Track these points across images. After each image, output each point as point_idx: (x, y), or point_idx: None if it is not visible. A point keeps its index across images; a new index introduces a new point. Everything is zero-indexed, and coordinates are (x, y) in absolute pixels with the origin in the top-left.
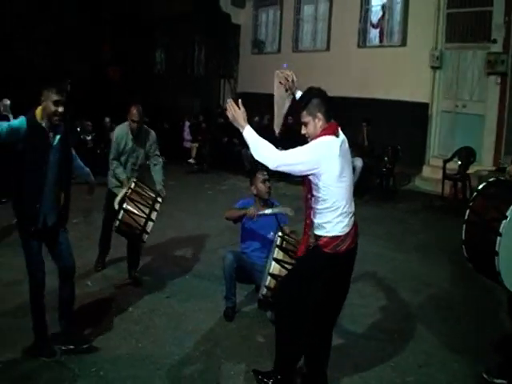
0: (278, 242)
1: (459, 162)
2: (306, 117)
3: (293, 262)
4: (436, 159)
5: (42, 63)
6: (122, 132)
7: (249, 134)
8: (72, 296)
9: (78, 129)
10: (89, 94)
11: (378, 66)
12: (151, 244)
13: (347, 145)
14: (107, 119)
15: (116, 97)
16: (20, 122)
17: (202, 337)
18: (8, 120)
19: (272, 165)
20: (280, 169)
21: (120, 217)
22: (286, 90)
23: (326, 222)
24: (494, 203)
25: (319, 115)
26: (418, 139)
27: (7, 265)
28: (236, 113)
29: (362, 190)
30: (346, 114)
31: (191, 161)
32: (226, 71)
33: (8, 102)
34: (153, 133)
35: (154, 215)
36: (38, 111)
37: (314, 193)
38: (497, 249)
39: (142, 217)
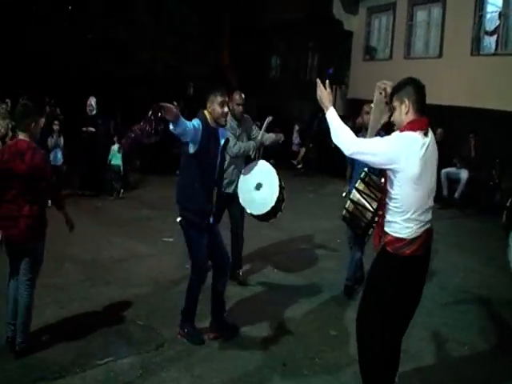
0: (362, 176)
1: None
2: (395, 101)
3: (371, 194)
4: None
5: (166, 69)
6: (229, 125)
7: (332, 115)
8: (225, 287)
9: None
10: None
11: (491, 75)
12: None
13: (435, 148)
14: None
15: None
16: (198, 123)
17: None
18: (96, 119)
19: (347, 150)
20: (354, 156)
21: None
22: (386, 103)
23: (392, 222)
24: None
25: (407, 102)
26: None
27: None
28: (323, 93)
29: (466, 202)
30: (455, 124)
31: (295, 162)
32: (337, 77)
33: (94, 99)
34: (249, 117)
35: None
36: (207, 115)
37: (388, 187)
38: None
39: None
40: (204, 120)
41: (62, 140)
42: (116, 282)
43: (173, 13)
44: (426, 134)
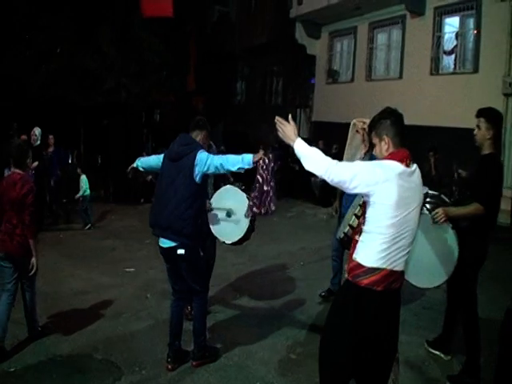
0: (361, 202)
1: None
2: (374, 138)
3: None
4: (509, 190)
5: (129, 96)
6: None
7: (300, 146)
8: None
9: None
10: (176, 123)
11: (450, 94)
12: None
13: (419, 180)
14: None
15: None
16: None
17: (238, 349)
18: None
19: (325, 176)
20: (332, 181)
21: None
22: (363, 141)
23: (360, 243)
24: None
25: (386, 138)
26: None
27: None
28: (286, 127)
29: None
30: (417, 143)
31: None
32: (301, 101)
33: (39, 129)
34: (214, 146)
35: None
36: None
37: (366, 209)
38: None
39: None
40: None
41: None
42: (75, 314)
43: (137, 41)
44: (408, 165)
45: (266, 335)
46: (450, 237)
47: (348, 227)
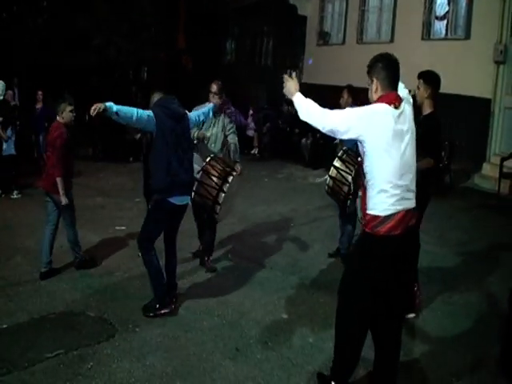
0: (340, 154)
1: None
2: (368, 79)
3: (347, 170)
4: (497, 157)
5: (119, 54)
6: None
7: (298, 98)
8: None
9: None
10: (164, 81)
11: (441, 59)
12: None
13: (409, 119)
14: None
15: (187, 84)
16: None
17: (231, 309)
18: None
19: (322, 126)
20: (323, 128)
21: (195, 188)
22: None
23: (369, 198)
24: None
25: (375, 80)
26: (480, 136)
27: None
28: (290, 83)
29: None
30: None
31: (253, 151)
32: (292, 62)
33: (2, 83)
34: (231, 111)
35: (225, 187)
36: None
37: (364, 162)
38: None
39: (214, 188)
40: None
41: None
42: (66, 272)
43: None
44: (396, 107)
45: (257, 296)
46: None
47: (328, 178)
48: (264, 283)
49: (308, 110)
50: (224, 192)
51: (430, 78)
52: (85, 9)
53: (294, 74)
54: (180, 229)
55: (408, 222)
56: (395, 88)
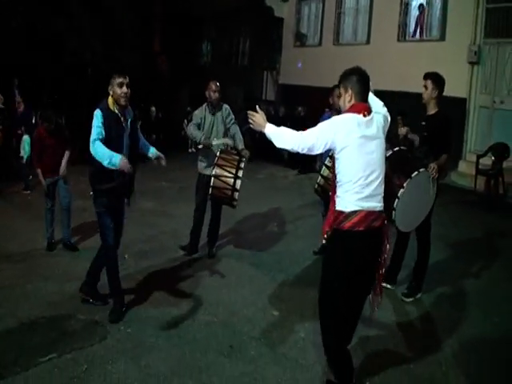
0: (331, 153)
1: (493, 158)
2: (341, 88)
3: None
4: (472, 155)
5: (94, 56)
6: (199, 111)
7: (271, 130)
8: None
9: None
10: (139, 83)
11: (416, 61)
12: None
13: (377, 126)
14: (153, 108)
15: (163, 87)
16: (99, 115)
17: (222, 307)
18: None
19: (298, 149)
20: (302, 150)
21: (212, 183)
22: None
23: (338, 197)
24: None
25: (350, 91)
26: (455, 134)
27: None
28: (256, 117)
29: None
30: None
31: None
32: (269, 63)
33: None
34: (226, 105)
35: (240, 173)
36: (109, 100)
37: (334, 165)
38: None
39: (230, 177)
40: (105, 108)
41: None
42: (54, 276)
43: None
44: (365, 116)
45: (246, 294)
46: (431, 185)
47: (320, 177)
48: (253, 281)
49: (282, 138)
50: (240, 178)
51: (438, 80)
52: (60, 11)
53: (258, 108)
54: (167, 229)
55: (372, 222)
56: (365, 99)
